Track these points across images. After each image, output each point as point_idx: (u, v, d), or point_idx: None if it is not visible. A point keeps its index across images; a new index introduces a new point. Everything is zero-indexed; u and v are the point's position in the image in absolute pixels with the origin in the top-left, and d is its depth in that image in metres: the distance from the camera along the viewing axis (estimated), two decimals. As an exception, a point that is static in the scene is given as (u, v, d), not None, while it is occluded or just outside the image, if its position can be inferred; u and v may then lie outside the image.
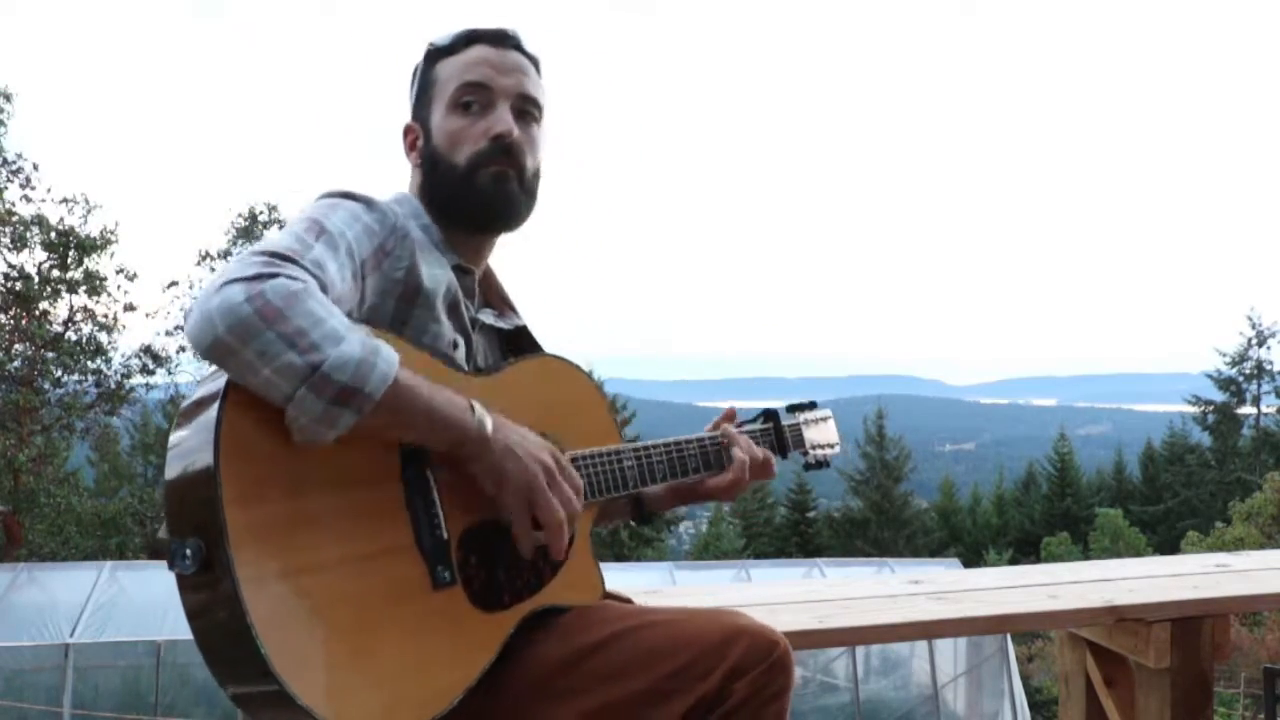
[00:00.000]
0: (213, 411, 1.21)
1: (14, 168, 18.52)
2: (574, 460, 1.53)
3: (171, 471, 1.23)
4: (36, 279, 18.72)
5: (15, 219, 18.39)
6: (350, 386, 1.20)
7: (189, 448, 1.22)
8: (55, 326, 19.21)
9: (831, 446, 2.01)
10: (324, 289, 1.27)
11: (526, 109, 1.59)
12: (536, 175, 1.62)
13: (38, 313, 18.94)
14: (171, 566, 1.20)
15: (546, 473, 1.38)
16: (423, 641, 1.32)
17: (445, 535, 1.35)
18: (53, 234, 18.68)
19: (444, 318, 1.50)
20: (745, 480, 1.73)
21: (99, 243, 18.94)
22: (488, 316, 1.63)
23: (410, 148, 1.64)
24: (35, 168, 18.70)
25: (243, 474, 1.20)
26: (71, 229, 18.86)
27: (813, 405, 2.01)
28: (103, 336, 19.46)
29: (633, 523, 1.81)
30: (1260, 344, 37.87)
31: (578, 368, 1.63)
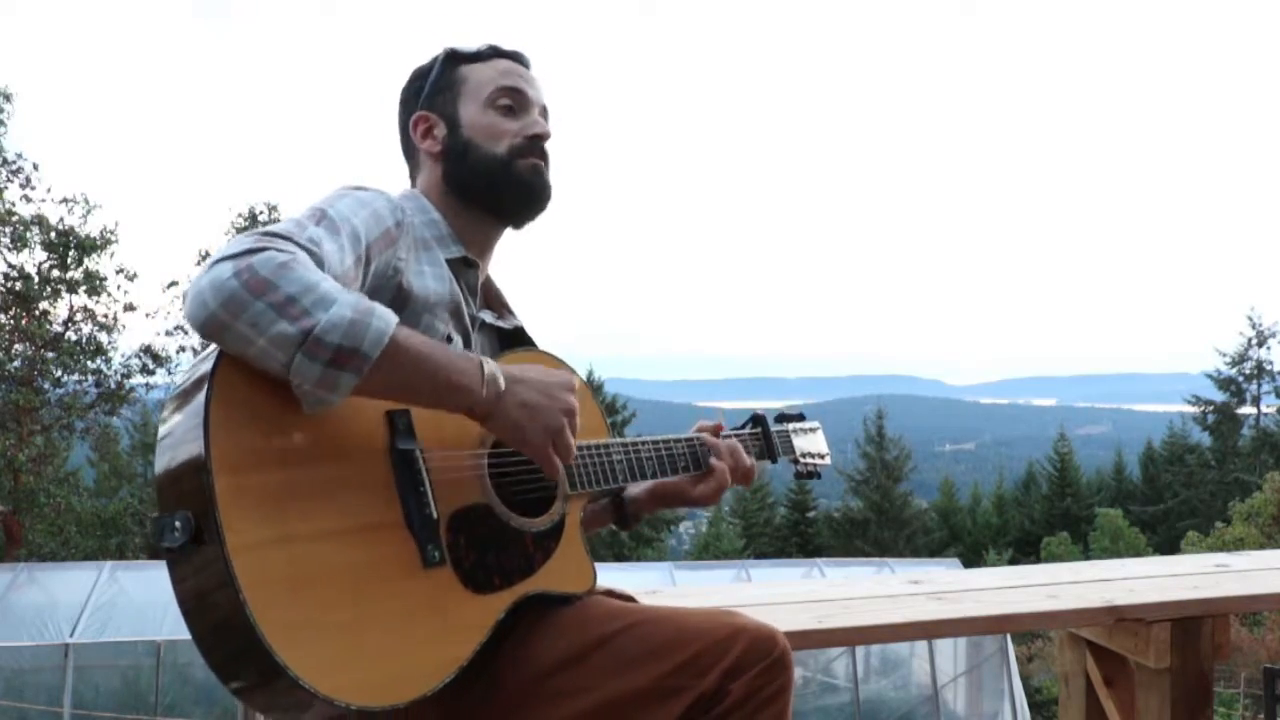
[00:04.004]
0: (202, 388, 1.22)
1: (14, 168, 18.50)
2: None
3: (162, 450, 1.24)
4: (36, 279, 18.70)
5: (15, 219, 18.38)
6: (345, 347, 1.22)
7: (179, 425, 1.23)
8: (55, 326, 19.18)
9: (822, 457, 2.01)
10: (319, 264, 1.29)
11: (546, 121, 1.69)
12: None
13: (38, 313, 18.92)
14: (160, 542, 1.20)
15: (568, 413, 1.41)
16: (414, 618, 1.32)
17: (435, 515, 1.36)
18: (53, 234, 18.65)
19: (435, 320, 1.51)
20: (726, 485, 1.75)
21: (99, 243, 18.92)
22: (488, 316, 1.66)
23: (424, 135, 1.66)
24: (35, 168, 18.70)
25: (232, 444, 1.21)
26: (71, 229, 18.83)
27: (801, 417, 2.02)
28: (103, 336, 19.44)
29: (613, 526, 1.81)
30: (1260, 344, 37.81)
31: (562, 362, 1.63)
